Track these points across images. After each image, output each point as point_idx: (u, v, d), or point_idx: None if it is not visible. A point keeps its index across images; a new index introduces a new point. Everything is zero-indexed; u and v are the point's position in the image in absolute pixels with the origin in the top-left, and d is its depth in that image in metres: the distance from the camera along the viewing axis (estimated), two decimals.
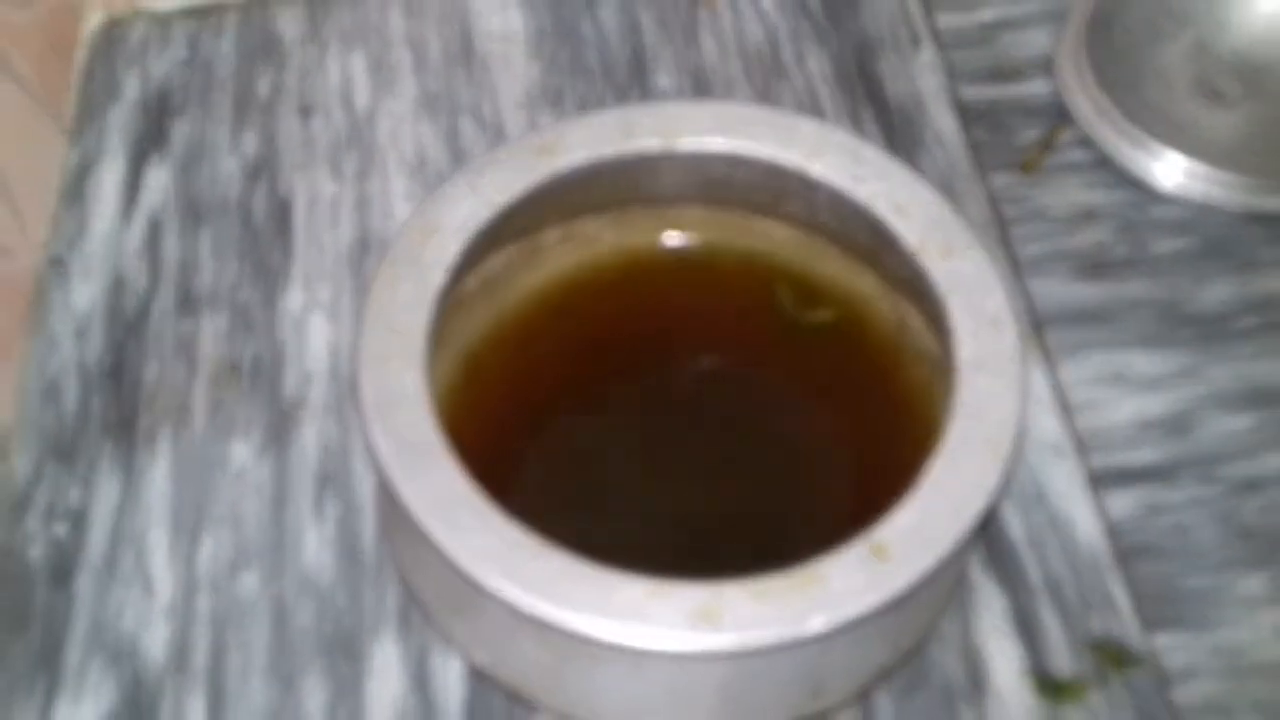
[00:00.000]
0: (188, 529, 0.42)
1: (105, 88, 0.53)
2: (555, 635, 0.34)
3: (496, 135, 0.52)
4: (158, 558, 0.42)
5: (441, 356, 0.41)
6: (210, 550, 0.42)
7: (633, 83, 0.53)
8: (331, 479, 0.43)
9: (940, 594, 0.40)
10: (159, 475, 0.43)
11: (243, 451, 0.44)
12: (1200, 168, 0.50)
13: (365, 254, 0.49)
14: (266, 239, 0.49)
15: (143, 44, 0.55)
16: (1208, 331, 0.47)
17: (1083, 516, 0.43)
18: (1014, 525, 0.43)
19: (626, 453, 0.42)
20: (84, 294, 0.48)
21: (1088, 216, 0.50)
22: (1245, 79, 0.53)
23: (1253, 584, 0.42)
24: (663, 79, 0.54)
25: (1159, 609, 0.41)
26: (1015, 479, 0.43)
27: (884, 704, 0.39)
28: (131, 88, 0.53)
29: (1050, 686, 0.40)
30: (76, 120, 0.53)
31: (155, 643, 0.40)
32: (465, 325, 0.42)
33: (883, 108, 0.53)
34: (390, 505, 0.37)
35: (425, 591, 0.40)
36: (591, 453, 0.42)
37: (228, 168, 0.51)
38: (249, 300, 0.47)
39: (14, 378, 0.46)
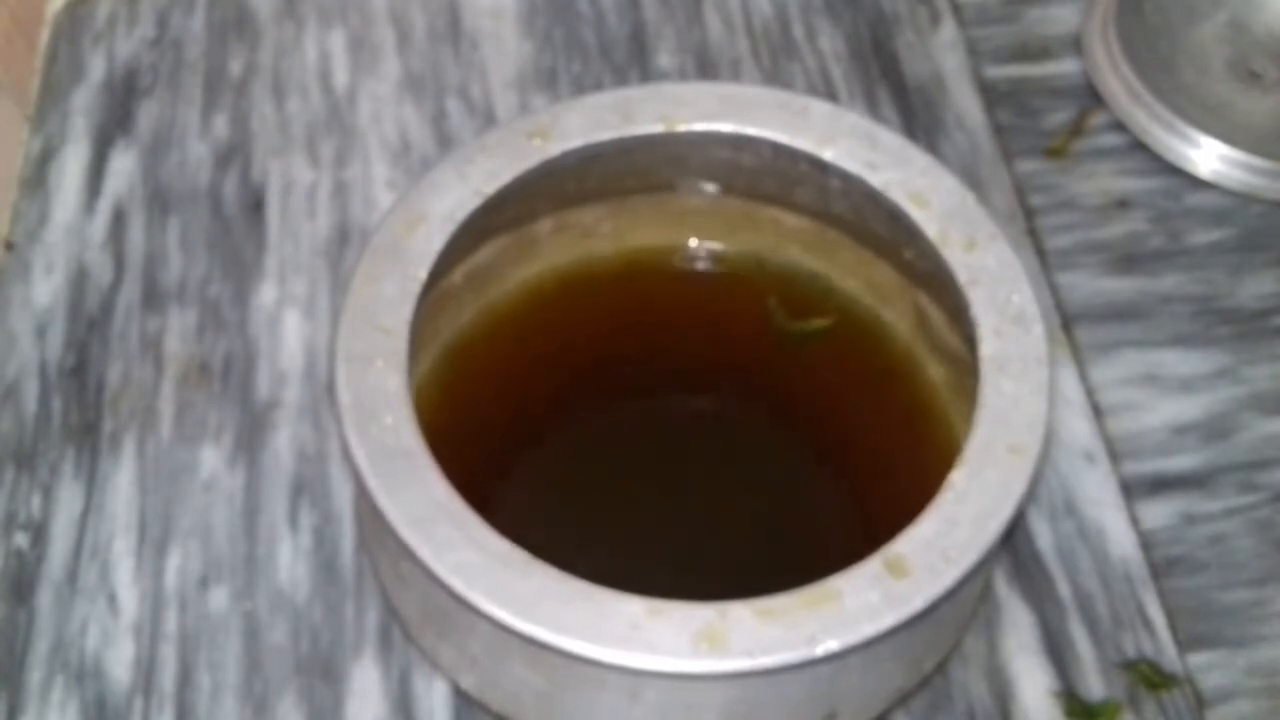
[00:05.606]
0: (154, 540, 0.42)
1: (69, 69, 0.53)
2: (548, 657, 0.34)
3: (486, 118, 0.52)
4: (123, 571, 0.42)
5: (425, 356, 0.41)
6: (178, 563, 0.42)
7: (632, 62, 0.53)
8: (307, 487, 0.43)
9: (962, 611, 0.39)
10: (124, 482, 0.43)
11: (212, 457, 0.44)
12: (1238, 154, 0.50)
13: (344, 246, 0.48)
14: (238, 230, 0.49)
15: (109, 22, 0.54)
16: (1247, 329, 0.47)
17: (1114, 527, 0.43)
18: (1042, 536, 0.43)
19: (622, 462, 0.42)
20: (44, 288, 0.47)
21: (1119, 206, 0.50)
22: None
23: None
24: (664, 58, 0.53)
25: (1194, 625, 0.41)
26: (1042, 487, 0.43)
27: None
28: (97, 69, 0.53)
29: (1081, 709, 0.40)
30: (39, 104, 0.52)
31: (120, 662, 0.40)
32: (451, 322, 0.42)
33: (900, 89, 0.53)
34: (370, 516, 0.37)
35: (408, 609, 0.39)
36: (585, 461, 0.42)
37: (197, 153, 0.51)
38: (219, 295, 0.47)
39: None
